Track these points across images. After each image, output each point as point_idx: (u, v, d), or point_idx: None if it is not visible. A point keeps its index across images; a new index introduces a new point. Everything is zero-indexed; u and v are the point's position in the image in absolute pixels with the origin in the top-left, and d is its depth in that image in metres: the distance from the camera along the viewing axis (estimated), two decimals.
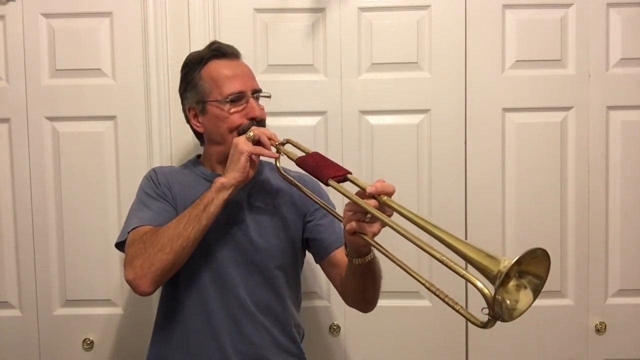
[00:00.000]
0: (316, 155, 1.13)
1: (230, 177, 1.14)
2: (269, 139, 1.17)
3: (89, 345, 1.63)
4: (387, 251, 0.93)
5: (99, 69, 1.61)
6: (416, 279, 0.86)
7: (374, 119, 1.63)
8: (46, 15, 1.61)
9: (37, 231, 1.62)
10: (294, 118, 1.63)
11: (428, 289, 0.84)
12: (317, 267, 1.60)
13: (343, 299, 1.24)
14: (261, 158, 1.20)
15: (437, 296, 0.83)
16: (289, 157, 1.16)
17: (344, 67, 1.62)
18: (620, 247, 1.62)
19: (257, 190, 1.29)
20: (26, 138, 1.62)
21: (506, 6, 1.60)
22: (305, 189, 1.19)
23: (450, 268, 0.79)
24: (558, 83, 1.61)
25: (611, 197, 1.62)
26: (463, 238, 0.78)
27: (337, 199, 1.17)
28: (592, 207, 1.61)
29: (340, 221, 1.05)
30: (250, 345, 1.21)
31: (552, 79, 1.60)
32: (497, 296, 0.71)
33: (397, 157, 1.62)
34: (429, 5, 1.60)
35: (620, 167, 1.61)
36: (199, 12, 1.60)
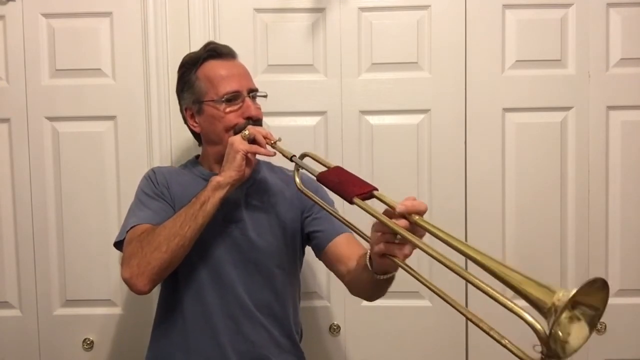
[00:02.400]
0: (338, 170, 1.04)
1: (226, 175, 1.15)
2: (265, 137, 1.17)
3: (89, 345, 1.63)
4: (421, 276, 0.85)
5: (99, 69, 1.61)
6: (458, 309, 0.79)
7: (374, 119, 1.63)
8: (46, 15, 1.61)
9: (37, 231, 1.62)
10: (294, 118, 1.63)
11: (470, 319, 0.78)
12: (317, 267, 1.61)
13: (348, 290, 1.20)
14: (259, 157, 1.20)
15: (481, 329, 0.75)
16: (283, 155, 1.16)
17: (344, 67, 1.62)
18: (620, 247, 1.62)
19: (255, 189, 1.29)
20: (26, 138, 1.62)
21: (506, 6, 1.60)
22: (319, 201, 1.12)
23: (496, 300, 0.71)
24: (558, 83, 1.61)
25: (611, 197, 1.61)
26: (509, 264, 0.70)
27: (363, 217, 1.07)
28: (592, 207, 1.61)
29: (349, 227, 1.02)
30: (249, 344, 1.21)
31: (552, 79, 1.60)
32: (552, 332, 0.64)
33: (397, 157, 1.62)
34: (429, 5, 1.60)
35: (620, 167, 1.61)
36: (199, 12, 1.60)
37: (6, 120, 1.62)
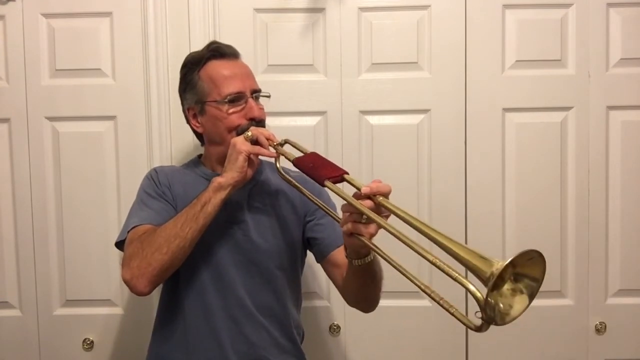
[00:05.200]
0: (313, 155, 1.12)
1: (228, 176, 1.14)
2: (267, 138, 1.17)
3: (89, 345, 1.63)
4: (384, 252, 0.93)
5: (99, 69, 1.61)
6: (412, 281, 0.85)
7: (374, 119, 1.62)
8: (46, 15, 1.61)
9: (37, 231, 1.62)
10: (294, 118, 1.63)
11: (423, 291, 0.84)
12: (317, 267, 1.61)
13: (344, 299, 1.23)
14: (262, 158, 1.20)
15: (432, 298, 0.82)
16: (286, 157, 1.16)
17: (344, 67, 1.61)
18: (620, 247, 1.62)
19: (258, 190, 1.29)
20: (26, 138, 1.62)
21: (506, 6, 1.60)
22: (304, 190, 1.17)
23: (442, 270, 0.78)
24: (558, 83, 1.60)
25: (611, 197, 1.62)
26: (461, 241, 0.76)
27: (336, 200, 1.16)
28: (592, 207, 1.61)
29: (339, 222, 1.04)
30: (249, 345, 1.21)
31: (552, 79, 1.60)
32: (489, 299, 0.70)
33: (397, 157, 1.62)
34: (429, 5, 1.60)
35: (620, 167, 1.61)
36: (199, 12, 1.60)
37: (6, 120, 1.62)
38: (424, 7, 1.61)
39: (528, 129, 1.62)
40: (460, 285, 0.76)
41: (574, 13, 1.60)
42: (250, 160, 1.16)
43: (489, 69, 1.61)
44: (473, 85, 1.61)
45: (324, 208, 1.15)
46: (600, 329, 1.61)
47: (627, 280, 1.62)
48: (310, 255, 1.34)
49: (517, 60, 1.61)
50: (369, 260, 1.03)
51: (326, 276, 1.61)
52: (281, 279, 1.27)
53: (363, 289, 1.13)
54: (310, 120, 1.63)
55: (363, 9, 1.61)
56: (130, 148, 1.62)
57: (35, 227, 1.62)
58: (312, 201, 1.17)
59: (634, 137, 1.61)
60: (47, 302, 1.63)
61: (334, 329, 1.63)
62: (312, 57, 1.62)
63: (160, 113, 1.61)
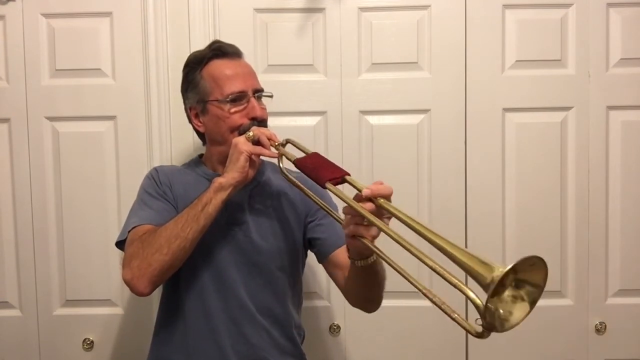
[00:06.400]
0: (315, 156, 1.10)
1: (229, 177, 1.14)
2: (269, 139, 1.16)
3: (89, 345, 1.63)
4: (385, 255, 0.91)
5: (99, 69, 1.61)
6: (414, 284, 0.83)
7: (374, 119, 1.63)
8: (46, 15, 1.61)
9: (37, 231, 1.62)
10: (294, 118, 1.63)
11: (425, 294, 0.80)
12: (317, 268, 1.61)
13: (347, 299, 1.22)
14: (263, 159, 1.20)
15: (434, 303, 0.79)
16: (288, 158, 1.15)
17: (344, 67, 1.62)
18: (620, 247, 1.62)
19: (259, 191, 1.29)
20: (26, 138, 1.62)
21: (506, 6, 1.60)
22: (306, 190, 1.16)
23: (441, 276, 0.76)
24: (558, 83, 1.61)
25: (611, 197, 1.62)
26: (462, 243, 0.75)
27: (338, 202, 1.14)
28: (592, 207, 1.61)
29: (341, 223, 1.03)
30: (250, 346, 1.21)
31: (552, 79, 1.60)
32: (489, 305, 0.68)
33: (397, 157, 1.62)
34: (429, 5, 1.60)
35: (620, 167, 1.61)
36: (199, 12, 1.60)
37: (6, 120, 1.62)
38: (424, 7, 1.61)
39: (528, 129, 1.62)
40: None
41: (574, 13, 1.60)
42: (251, 160, 1.15)
43: (489, 69, 1.61)
44: (473, 85, 1.61)
45: (325, 208, 1.12)
46: (600, 329, 1.61)
47: (627, 280, 1.63)
48: (310, 256, 1.34)
49: (517, 60, 1.61)
50: (372, 261, 1.02)
51: (326, 276, 1.61)
52: (282, 279, 1.26)
53: (365, 289, 1.13)
54: (310, 120, 1.63)
55: (363, 9, 1.61)
56: (130, 148, 1.62)
57: (35, 227, 1.62)
58: (315, 201, 1.14)
59: (634, 137, 1.61)
60: (47, 302, 1.63)
61: (334, 329, 1.63)
62: (312, 57, 1.62)
63: (160, 113, 1.61)
